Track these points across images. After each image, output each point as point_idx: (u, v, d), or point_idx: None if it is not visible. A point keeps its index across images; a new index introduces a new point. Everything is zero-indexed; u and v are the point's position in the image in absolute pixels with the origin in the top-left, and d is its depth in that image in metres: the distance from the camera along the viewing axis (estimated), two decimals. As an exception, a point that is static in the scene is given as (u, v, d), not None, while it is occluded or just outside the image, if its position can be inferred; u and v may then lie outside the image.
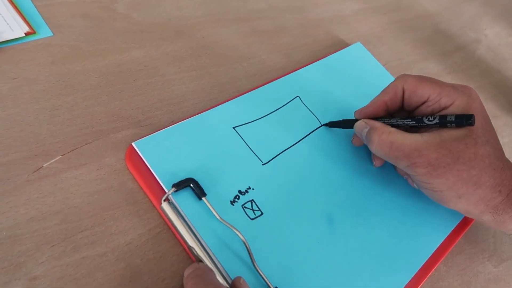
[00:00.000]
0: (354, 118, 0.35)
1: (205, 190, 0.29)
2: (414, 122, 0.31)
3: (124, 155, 0.30)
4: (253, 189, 0.31)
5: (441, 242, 0.34)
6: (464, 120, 0.28)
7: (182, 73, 0.37)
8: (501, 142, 0.45)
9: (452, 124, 0.28)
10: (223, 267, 0.27)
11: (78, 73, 0.34)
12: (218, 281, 0.24)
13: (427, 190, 0.30)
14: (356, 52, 0.46)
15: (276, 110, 0.37)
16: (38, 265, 0.24)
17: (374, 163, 0.35)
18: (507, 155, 0.31)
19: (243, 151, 0.33)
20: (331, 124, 0.37)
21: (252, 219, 0.30)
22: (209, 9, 0.43)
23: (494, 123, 0.48)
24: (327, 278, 0.29)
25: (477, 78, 0.52)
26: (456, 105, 0.30)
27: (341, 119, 0.36)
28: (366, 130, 0.32)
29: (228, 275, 0.27)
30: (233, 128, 0.34)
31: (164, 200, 0.28)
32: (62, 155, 0.29)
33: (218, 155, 0.32)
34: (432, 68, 0.50)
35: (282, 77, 0.39)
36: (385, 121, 0.32)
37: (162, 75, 0.36)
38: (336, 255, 0.30)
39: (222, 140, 0.33)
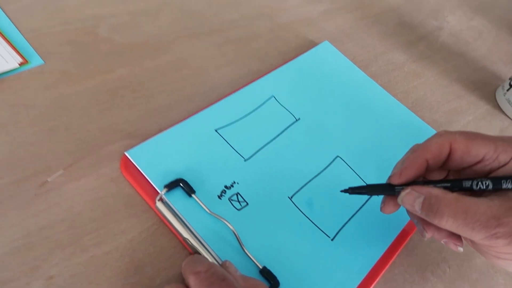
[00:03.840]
0: (381, 182, 0.31)
1: (194, 188, 0.33)
2: (469, 186, 0.28)
3: (119, 164, 0.34)
4: (237, 183, 0.35)
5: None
6: None
7: (164, 86, 0.41)
8: (466, 120, 0.50)
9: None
10: (215, 253, 0.30)
11: (70, 95, 0.37)
12: (210, 261, 0.28)
13: (505, 261, 0.27)
14: (324, 50, 0.49)
15: (254, 110, 0.41)
16: (52, 266, 0.28)
17: (426, 234, 0.30)
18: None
19: (226, 150, 0.37)
20: (353, 191, 0.31)
21: (239, 209, 0.33)
22: (184, 25, 0.47)
23: (459, 102, 0.52)
24: (310, 255, 0.33)
25: (441, 63, 0.56)
26: None
27: (365, 184, 0.32)
28: (420, 200, 0.27)
29: (221, 260, 0.30)
30: (215, 130, 0.38)
31: (158, 200, 0.31)
32: (63, 169, 0.32)
33: (204, 156, 0.35)
34: (398, 58, 0.54)
35: (257, 80, 0.43)
36: (433, 186, 0.28)
37: (147, 89, 0.40)
38: (316, 234, 0.34)
39: (206, 142, 0.37)
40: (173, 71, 0.42)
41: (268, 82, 0.43)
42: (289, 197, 0.35)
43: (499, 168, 0.28)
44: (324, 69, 0.47)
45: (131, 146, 0.34)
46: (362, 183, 0.38)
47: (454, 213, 0.26)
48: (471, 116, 0.51)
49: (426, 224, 0.30)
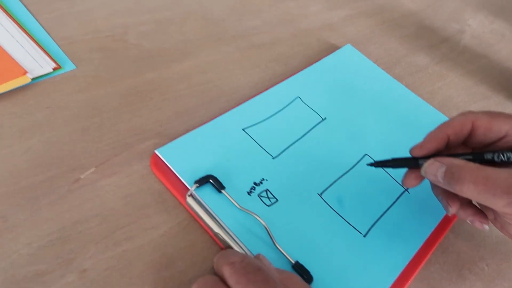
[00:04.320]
0: (405, 156, 0.32)
1: (223, 184, 0.33)
2: (491, 158, 0.29)
3: (149, 162, 0.34)
4: (266, 180, 0.35)
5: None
6: None
7: (191, 88, 0.41)
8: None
9: None
10: (247, 248, 0.30)
11: (101, 97, 0.38)
12: (243, 253, 0.28)
13: None
14: (347, 53, 0.50)
15: (280, 110, 0.41)
16: (86, 259, 0.28)
17: (450, 209, 0.31)
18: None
19: (254, 149, 0.37)
20: (378, 164, 0.33)
21: (268, 205, 0.33)
22: (209, 31, 0.48)
23: (486, 102, 0.51)
24: (342, 251, 0.32)
25: (464, 64, 0.56)
26: None
27: (390, 158, 0.32)
28: (442, 169, 0.28)
29: (253, 254, 0.30)
30: (243, 129, 0.38)
31: (189, 196, 0.31)
32: (95, 167, 0.33)
33: (232, 154, 0.36)
34: (421, 60, 0.54)
35: (282, 82, 0.43)
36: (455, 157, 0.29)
37: (174, 92, 0.40)
38: (348, 230, 0.33)
39: (234, 141, 0.37)
40: (199, 74, 0.43)
41: (293, 84, 0.44)
42: (318, 194, 0.35)
43: None
44: (348, 71, 0.47)
45: (161, 145, 0.35)
46: (391, 181, 0.38)
47: (475, 178, 0.26)
48: (500, 116, 0.50)
49: (450, 198, 0.31)
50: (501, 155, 0.28)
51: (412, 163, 0.31)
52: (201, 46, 0.46)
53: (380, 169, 0.38)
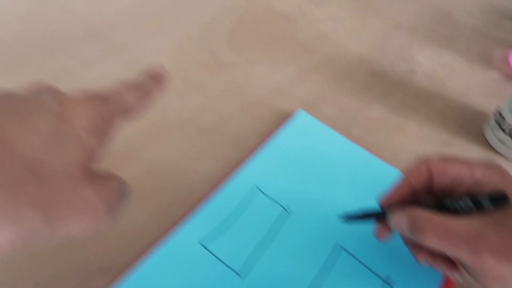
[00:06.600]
0: (373, 208, 0.32)
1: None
2: (450, 205, 0.29)
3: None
4: (235, 310, 0.31)
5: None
6: (501, 202, 0.27)
7: (137, 201, 0.37)
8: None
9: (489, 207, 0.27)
10: None
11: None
12: None
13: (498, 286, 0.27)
14: (300, 121, 0.46)
15: (239, 212, 0.37)
16: None
17: (419, 258, 0.31)
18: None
19: (216, 269, 0.33)
20: (349, 218, 0.33)
21: None
22: (151, 120, 0.44)
23: (450, 151, 0.49)
24: None
25: (422, 109, 0.54)
26: (491, 179, 0.29)
27: (359, 211, 0.32)
28: (407, 222, 0.28)
29: None
30: (201, 244, 0.34)
31: None
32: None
33: (190, 282, 0.31)
34: (377, 112, 0.52)
35: (237, 175, 0.39)
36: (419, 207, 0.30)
37: (118, 209, 0.36)
38: None
39: (190, 265, 0.32)
40: (144, 180, 0.39)
41: (248, 174, 0.40)
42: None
43: (475, 186, 0.29)
44: (304, 143, 0.44)
45: (111, 283, 0.30)
46: (367, 272, 0.35)
47: (435, 229, 0.27)
48: (465, 162, 0.48)
49: (417, 248, 0.31)
50: (459, 202, 0.28)
51: (381, 215, 0.31)
52: (142, 145, 0.42)
53: (352, 262, 0.35)
